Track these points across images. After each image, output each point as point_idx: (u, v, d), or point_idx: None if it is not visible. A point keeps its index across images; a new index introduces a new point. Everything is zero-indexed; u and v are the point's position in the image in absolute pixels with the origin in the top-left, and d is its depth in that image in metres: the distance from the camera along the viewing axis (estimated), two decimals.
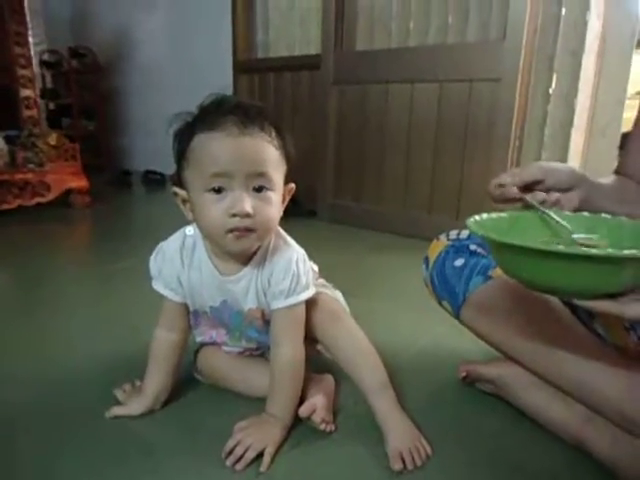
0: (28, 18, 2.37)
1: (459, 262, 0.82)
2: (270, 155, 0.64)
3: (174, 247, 0.72)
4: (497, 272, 0.78)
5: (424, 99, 1.83)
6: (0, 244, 1.83)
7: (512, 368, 0.75)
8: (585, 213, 0.63)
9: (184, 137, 0.65)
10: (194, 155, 0.63)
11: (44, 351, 0.98)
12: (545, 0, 1.58)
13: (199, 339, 0.82)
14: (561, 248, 0.47)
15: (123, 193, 3.07)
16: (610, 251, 0.47)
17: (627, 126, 1.69)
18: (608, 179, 0.78)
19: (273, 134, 0.65)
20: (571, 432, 0.69)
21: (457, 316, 0.83)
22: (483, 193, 1.82)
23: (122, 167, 3.64)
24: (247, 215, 0.62)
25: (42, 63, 3.63)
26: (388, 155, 1.99)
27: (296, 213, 1.93)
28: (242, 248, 0.66)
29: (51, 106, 3.82)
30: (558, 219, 0.60)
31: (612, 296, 0.49)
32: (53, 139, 2.31)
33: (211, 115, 0.63)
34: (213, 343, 0.81)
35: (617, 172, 0.81)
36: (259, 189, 0.63)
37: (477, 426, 0.76)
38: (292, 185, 0.70)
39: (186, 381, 0.83)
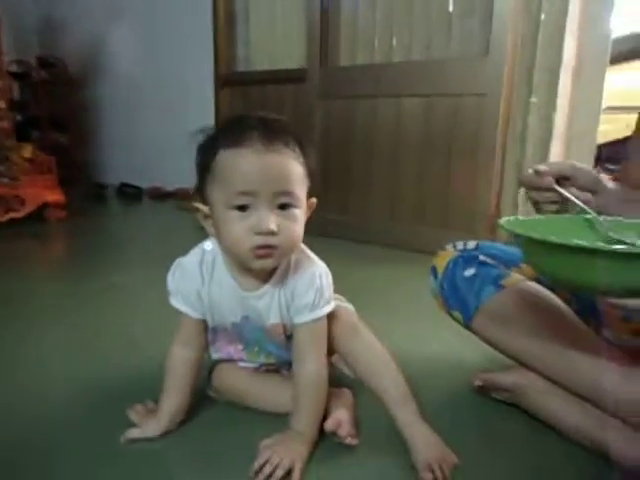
0: None
1: (469, 272, 0.84)
2: (295, 172, 0.64)
3: (193, 262, 0.71)
4: (509, 281, 0.80)
5: (411, 113, 1.88)
6: None
7: (528, 375, 0.76)
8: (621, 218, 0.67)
9: (207, 151, 0.64)
10: (219, 171, 0.63)
11: (31, 372, 0.94)
12: (524, 19, 1.66)
13: (215, 356, 0.80)
14: (601, 245, 0.51)
15: (98, 207, 3.00)
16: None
17: (602, 138, 1.79)
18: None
19: (297, 150, 0.65)
20: (589, 437, 0.71)
21: (468, 325, 0.84)
22: (470, 203, 1.87)
23: (96, 180, 3.55)
24: (272, 233, 0.61)
25: (9, 74, 3.51)
26: (375, 168, 2.02)
27: None
28: (265, 266, 0.66)
29: (18, 118, 3.69)
30: (594, 214, 0.65)
31: None
32: (28, 152, 2.24)
33: (235, 130, 0.63)
34: (230, 359, 0.80)
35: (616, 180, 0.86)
36: (284, 206, 0.63)
37: (496, 434, 0.78)
38: (313, 200, 0.70)
39: (200, 400, 0.81)
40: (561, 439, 0.74)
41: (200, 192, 0.67)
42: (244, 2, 2.48)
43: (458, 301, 0.84)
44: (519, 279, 0.80)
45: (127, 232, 2.45)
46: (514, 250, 0.91)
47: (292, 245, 0.66)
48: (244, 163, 0.61)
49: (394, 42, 1.99)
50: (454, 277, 0.85)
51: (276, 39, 2.38)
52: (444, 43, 1.87)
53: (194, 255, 0.72)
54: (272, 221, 0.61)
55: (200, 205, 0.67)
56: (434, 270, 0.90)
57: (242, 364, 0.80)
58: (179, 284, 0.72)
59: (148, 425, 0.73)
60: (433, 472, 0.65)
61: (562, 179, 0.71)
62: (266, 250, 0.63)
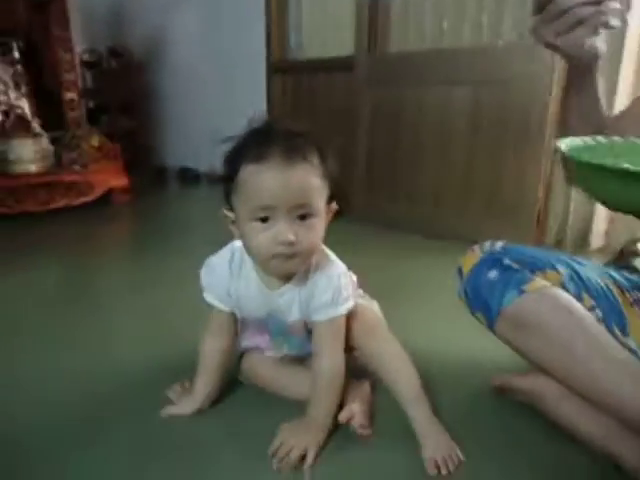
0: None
1: (492, 275, 0.84)
2: (313, 185, 0.68)
3: (223, 260, 0.78)
4: (531, 286, 0.80)
5: (459, 100, 1.83)
6: (49, 242, 1.94)
7: (544, 380, 0.77)
8: None
9: (232, 165, 0.69)
10: (242, 186, 0.68)
11: (89, 348, 1.07)
12: None
13: (244, 344, 0.88)
14: None
15: (159, 190, 3.16)
16: None
17: None
18: None
19: (316, 162, 0.68)
20: (601, 444, 0.71)
21: (491, 328, 0.85)
22: (517, 194, 1.80)
23: (157, 164, 3.74)
24: (291, 243, 0.66)
25: (82, 63, 3.76)
26: (422, 156, 2.00)
27: None
28: (286, 271, 0.72)
29: (90, 104, 3.95)
30: None
31: None
32: (95, 141, 2.41)
33: (257, 144, 0.67)
34: (257, 348, 0.87)
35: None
36: (303, 217, 0.67)
37: (509, 435, 0.79)
38: (334, 205, 0.74)
39: (231, 383, 0.89)
40: (575, 445, 0.74)
41: (227, 199, 0.72)
42: None
43: (481, 304, 0.85)
44: (543, 285, 0.79)
45: (186, 215, 2.56)
46: (542, 254, 0.89)
47: (311, 252, 0.71)
48: (265, 180, 0.65)
49: (445, 26, 1.94)
50: (477, 280, 0.85)
51: (327, 25, 2.38)
52: (496, 27, 1.80)
53: (224, 253, 0.79)
54: (291, 233, 0.66)
55: (227, 212, 0.73)
56: (460, 271, 0.90)
57: (268, 353, 0.87)
58: (210, 281, 0.79)
59: (184, 403, 0.82)
60: (439, 468, 0.70)
61: None
62: (286, 257, 0.68)
